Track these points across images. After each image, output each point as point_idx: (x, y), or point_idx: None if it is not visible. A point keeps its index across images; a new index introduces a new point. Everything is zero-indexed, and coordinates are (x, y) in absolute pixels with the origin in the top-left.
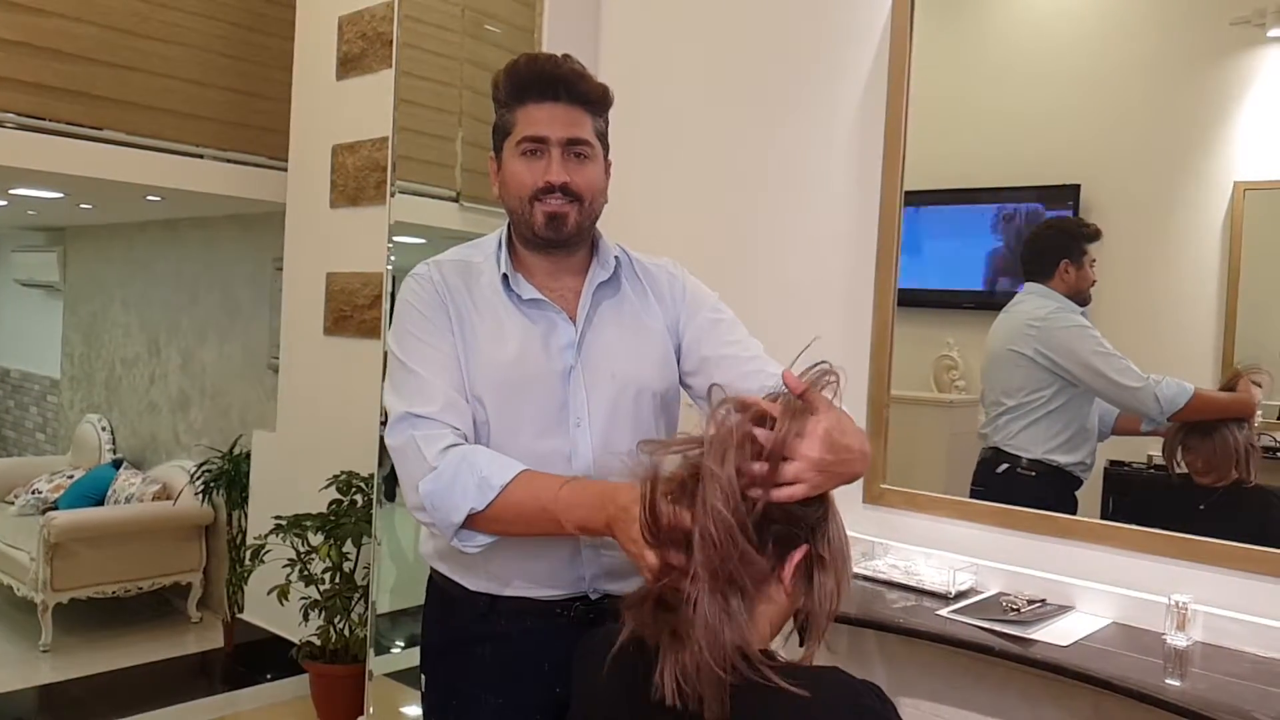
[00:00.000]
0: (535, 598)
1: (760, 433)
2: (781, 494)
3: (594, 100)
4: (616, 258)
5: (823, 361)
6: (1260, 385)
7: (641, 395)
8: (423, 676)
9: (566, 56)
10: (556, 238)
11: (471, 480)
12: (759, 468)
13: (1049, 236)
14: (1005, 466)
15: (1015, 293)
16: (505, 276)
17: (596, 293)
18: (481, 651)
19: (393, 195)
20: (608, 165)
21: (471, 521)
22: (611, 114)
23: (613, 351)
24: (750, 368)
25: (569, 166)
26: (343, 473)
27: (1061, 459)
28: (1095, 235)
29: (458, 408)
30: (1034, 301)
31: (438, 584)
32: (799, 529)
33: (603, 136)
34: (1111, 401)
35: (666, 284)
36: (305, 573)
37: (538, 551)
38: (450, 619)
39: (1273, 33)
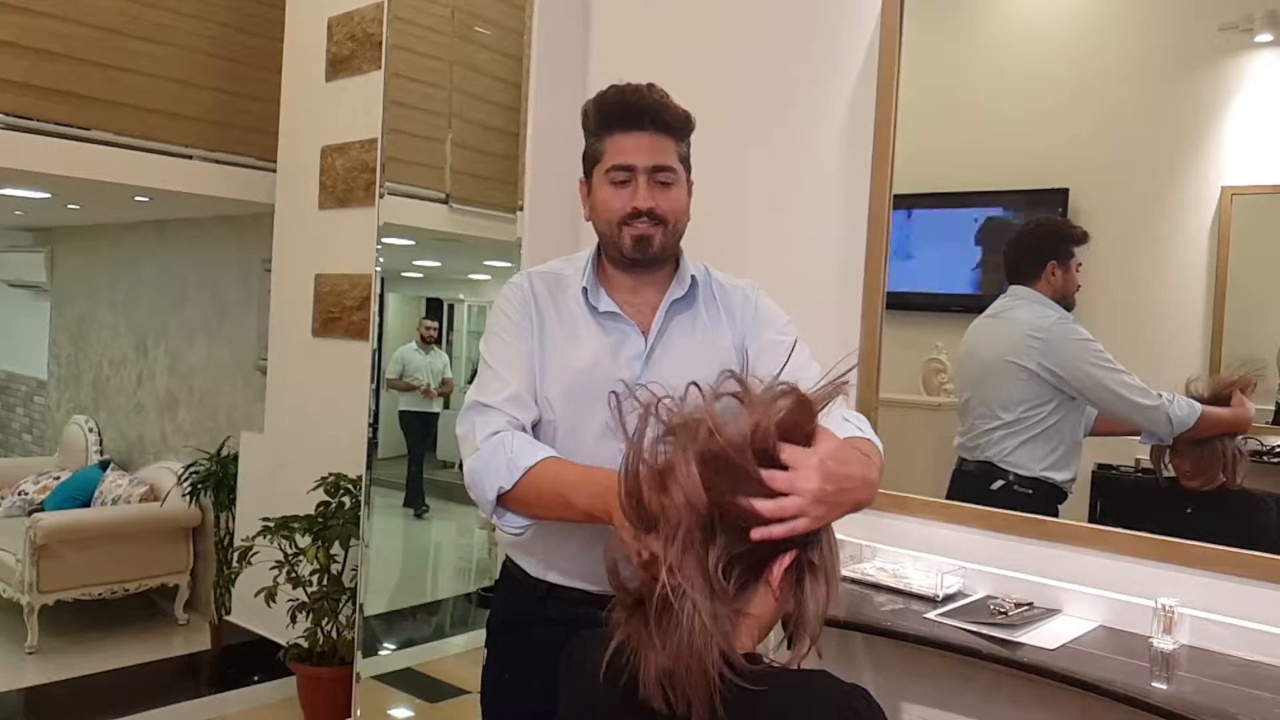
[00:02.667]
0: (588, 590)
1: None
2: (781, 530)
3: (678, 127)
4: (693, 276)
5: (847, 368)
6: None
7: None
8: (485, 651)
9: (651, 86)
10: (643, 258)
11: (503, 461)
12: (761, 505)
13: (1036, 237)
14: (1000, 484)
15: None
16: (585, 289)
17: (670, 309)
18: (535, 633)
19: (382, 197)
20: (690, 186)
21: (504, 501)
22: None
23: (679, 364)
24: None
25: (655, 192)
26: (331, 474)
27: (1057, 475)
28: (1083, 238)
29: (522, 402)
30: (1030, 309)
31: (508, 567)
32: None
33: (685, 160)
34: (1116, 416)
35: (739, 303)
36: (293, 575)
37: (587, 546)
38: (513, 600)
39: (1260, 38)
